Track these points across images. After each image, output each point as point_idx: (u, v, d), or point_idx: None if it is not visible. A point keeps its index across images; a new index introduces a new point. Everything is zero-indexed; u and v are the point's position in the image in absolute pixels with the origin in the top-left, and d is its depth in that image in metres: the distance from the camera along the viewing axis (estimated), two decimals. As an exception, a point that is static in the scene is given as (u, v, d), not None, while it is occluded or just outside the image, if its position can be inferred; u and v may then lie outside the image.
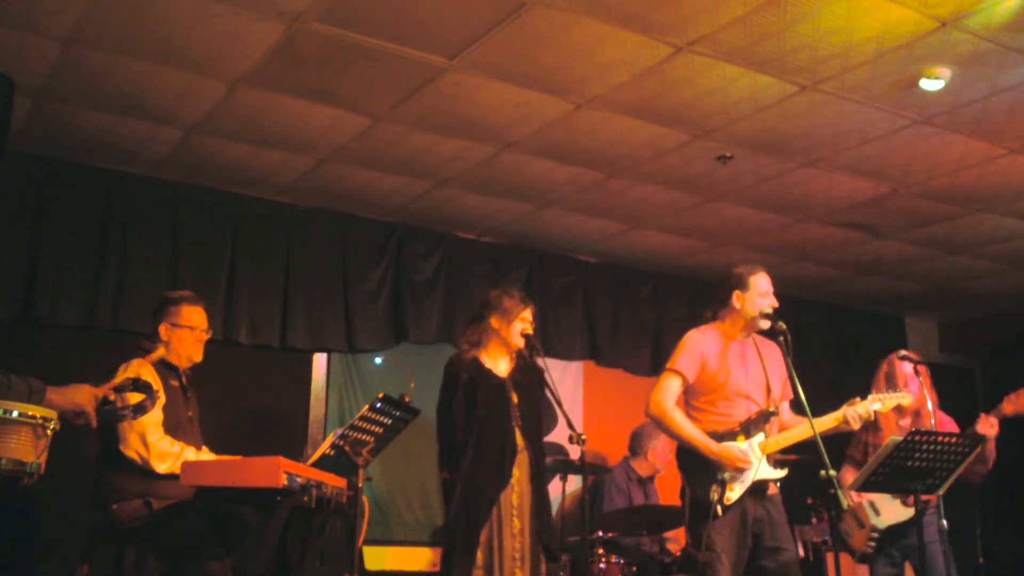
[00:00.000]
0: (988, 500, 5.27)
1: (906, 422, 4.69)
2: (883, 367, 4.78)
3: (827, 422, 4.09)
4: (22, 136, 4.99)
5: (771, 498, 4.10)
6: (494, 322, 4.47)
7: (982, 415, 4.72)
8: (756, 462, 4.00)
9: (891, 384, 4.58)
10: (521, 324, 4.46)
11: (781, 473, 4.08)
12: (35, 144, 5.16)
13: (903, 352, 4.56)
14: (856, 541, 4.87)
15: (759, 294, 4.22)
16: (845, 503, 3.64)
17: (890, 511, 4.72)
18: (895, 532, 4.70)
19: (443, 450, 4.43)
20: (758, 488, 4.03)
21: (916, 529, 4.01)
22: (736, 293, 4.23)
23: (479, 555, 4.17)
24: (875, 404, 4.18)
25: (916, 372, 4.56)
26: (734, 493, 3.98)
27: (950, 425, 4.89)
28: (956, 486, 4.07)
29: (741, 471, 3.99)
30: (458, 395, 4.35)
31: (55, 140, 5.15)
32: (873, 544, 4.77)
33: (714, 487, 3.97)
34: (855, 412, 4.10)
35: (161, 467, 3.76)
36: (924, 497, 4.59)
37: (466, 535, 4.16)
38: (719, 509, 3.93)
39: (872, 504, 4.80)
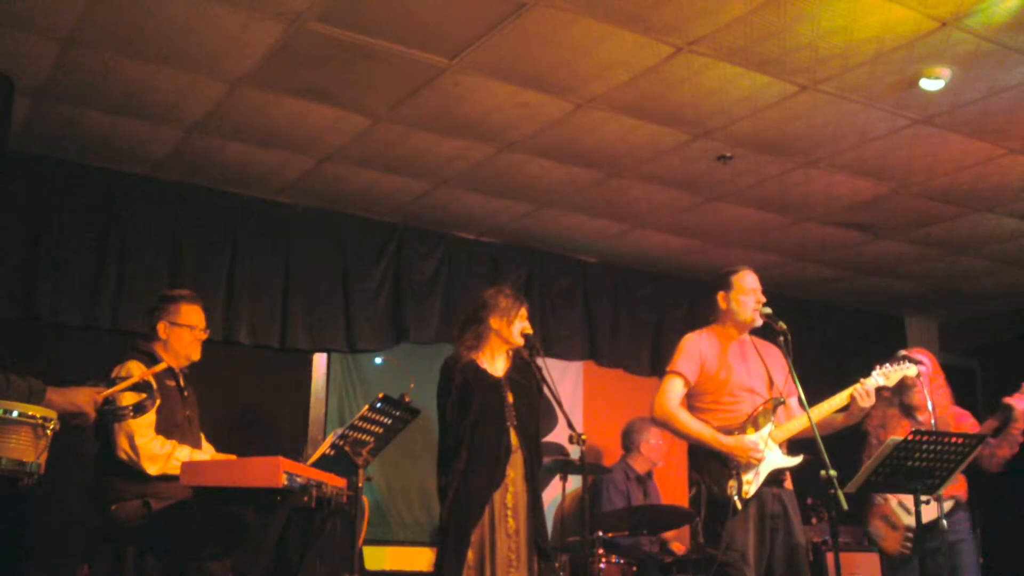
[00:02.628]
0: (988, 499, 5.25)
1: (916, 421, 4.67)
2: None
3: (836, 402, 4.08)
4: (22, 136, 4.99)
5: (788, 492, 4.10)
6: (494, 323, 4.42)
7: (1005, 398, 4.67)
8: (768, 452, 4.01)
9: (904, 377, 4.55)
10: (520, 323, 4.43)
11: (796, 460, 4.07)
12: (35, 144, 5.16)
13: (903, 352, 4.55)
14: (890, 544, 4.81)
15: (743, 292, 4.23)
16: (845, 504, 3.62)
17: (923, 510, 4.67)
18: (930, 530, 4.64)
19: (440, 452, 4.43)
20: (774, 479, 4.03)
21: (917, 532, 3.98)
22: (720, 294, 4.27)
23: (470, 555, 4.16)
24: (880, 378, 4.16)
25: (911, 364, 4.48)
26: (751, 486, 3.97)
27: (967, 419, 4.86)
28: (973, 471, 4.01)
29: (754, 463, 3.98)
30: (452, 397, 4.34)
31: (55, 140, 5.15)
32: (909, 545, 4.70)
33: (731, 483, 3.96)
34: (863, 389, 4.09)
35: (151, 469, 3.75)
36: (951, 493, 4.58)
37: (457, 535, 4.16)
38: (739, 504, 3.93)
39: (902, 504, 4.74)
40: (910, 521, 4.69)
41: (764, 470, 4.00)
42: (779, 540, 4.01)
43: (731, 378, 4.15)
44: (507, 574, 4.16)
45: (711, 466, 4.04)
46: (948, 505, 4.77)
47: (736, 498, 3.92)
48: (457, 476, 4.23)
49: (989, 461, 4.70)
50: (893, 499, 4.80)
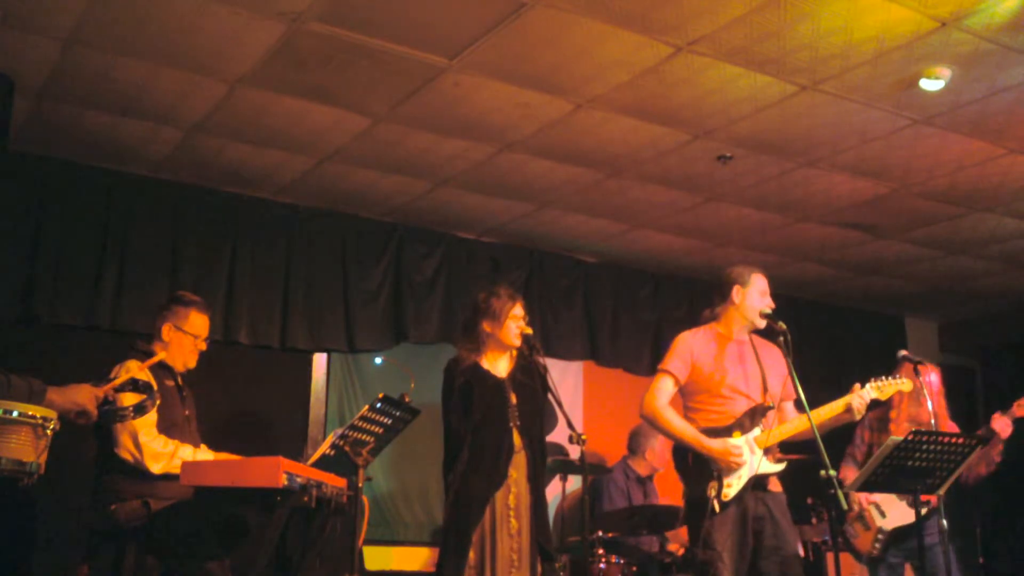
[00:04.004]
0: (988, 500, 5.27)
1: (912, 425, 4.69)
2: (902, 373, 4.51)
3: (827, 411, 4.09)
4: (22, 136, 4.99)
5: (774, 495, 4.10)
6: (486, 327, 4.42)
7: (996, 413, 4.71)
8: (751, 457, 4.01)
9: (916, 391, 4.56)
10: (514, 323, 4.41)
11: (778, 468, 4.08)
12: (35, 144, 5.15)
13: (903, 352, 4.56)
14: (861, 543, 4.86)
15: (759, 292, 4.24)
16: (845, 504, 3.63)
17: (896, 513, 4.72)
18: (901, 534, 4.69)
19: (445, 454, 4.44)
20: (758, 483, 4.03)
21: (916, 532, 4.01)
22: (737, 287, 4.26)
23: (472, 555, 4.16)
24: (873, 392, 4.17)
25: (916, 372, 4.53)
26: (731, 489, 3.98)
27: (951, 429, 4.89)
28: (954, 486, 4.07)
29: (736, 466, 3.99)
30: (454, 399, 4.35)
31: (55, 140, 5.15)
32: (879, 546, 4.76)
33: (711, 484, 3.97)
34: (859, 402, 4.10)
35: (155, 467, 3.76)
36: (924, 498, 4.59)
37: (457, 535, 4.17)
38: (716, 506, 3.94)
39: (877, 506, 4.79)
40: (883, 523, 4.76)
41: (746, 475, 4.00)
42: (764, 542, 4.01)
43: (725, 380, 4.15)
44: (509, 574, 4.16)
45: (692, 467, 4.06)
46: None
47: (715, 500, 3.93)
48: (458, 477, 4.24)
49: (966, 476, 4.72)
50: (869, 501, 4.82)
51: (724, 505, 3.95)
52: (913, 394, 4.61)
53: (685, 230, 6.48)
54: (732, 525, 3.96)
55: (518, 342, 4.40)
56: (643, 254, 6.95)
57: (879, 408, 4.82)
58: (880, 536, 4.76)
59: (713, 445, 4.01)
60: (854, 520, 4.92)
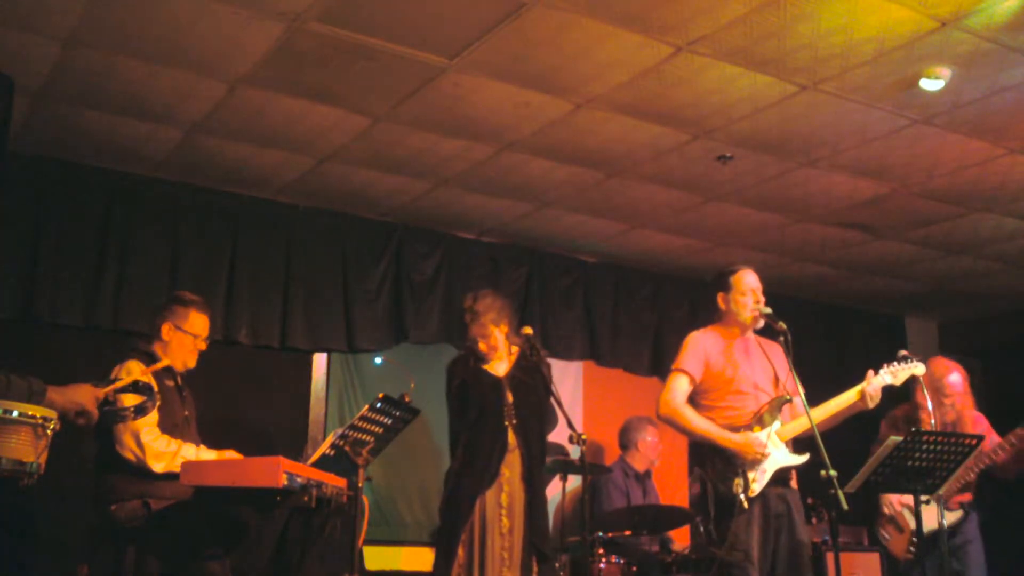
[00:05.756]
0: (987, 500, 5.26)
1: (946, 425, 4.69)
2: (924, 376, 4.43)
3: (844, 399, 4.09)
4: (22, 136, 4.99)
5: (793, 492, 4.11)
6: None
7: None
8: (775, 450, 4.01)
9: (938, 392, 4.56)
10: (473, 343, 4.48)
11: (801, 459, 4.07)
12: (35, 144, 5.15)
13: (903, 353, 4.56)
14: (896, 547, 4.82)
15: (741, 292, 4.24)
16: (845, 504, 3.62)
17: (930, 515, 4.67)
18: (935, 536, 4.63)
19: (450, 452, 4.46)
20: (780, 478, 4.03)
21: (936, 535, 3.99)
22: (720, 295, 4.30)
23: (461, 552, 4.18)
24: (887, 377, 4.17)
25: (918, 363, 4.51)
26: (757, 484, 3.97)
27: (982, 422, 4.89)
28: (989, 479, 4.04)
29: (760, 460, 3.98)
30: (452, 398, 4.38)
31: (55, 140, 5.15)
32: (915, 550, 4.70)
33: (737, 480, 3.96)
34: (871, 389, 4.10)
35: (157, 467, 3.76)
36: (960, 499, 4.60)
37: (448, 533, 4.19)
38: (744, 503, 3.92)
39: (908, 507, 4.73)
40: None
41: (770, 468, 4.00)
42: (782, 540, 4.01)
43: (737, 375, 4.16)
44: (500, 573, 4.17)
45: (716, 464, 4.04)
46: (958, 514, 4.79)
47: (742, 496, 3.92)
48: (452, 475, 4.26)
49: (1008, 470, 4.72)
50: (898, 503, 4.79)
51: (750, 502, 3.94)
52: (934, 394, 4.60)
53: (685, 230, 6.48)
54: (756, 524, 3.96)
55: (489, 358, 4.47)
56: (643, 254, 6.95)
57: (906, 405, 4.84)
58: (915, 539, 4.70)
59: (737, 439, 4.00)
60: (887, 523, 4.89)
